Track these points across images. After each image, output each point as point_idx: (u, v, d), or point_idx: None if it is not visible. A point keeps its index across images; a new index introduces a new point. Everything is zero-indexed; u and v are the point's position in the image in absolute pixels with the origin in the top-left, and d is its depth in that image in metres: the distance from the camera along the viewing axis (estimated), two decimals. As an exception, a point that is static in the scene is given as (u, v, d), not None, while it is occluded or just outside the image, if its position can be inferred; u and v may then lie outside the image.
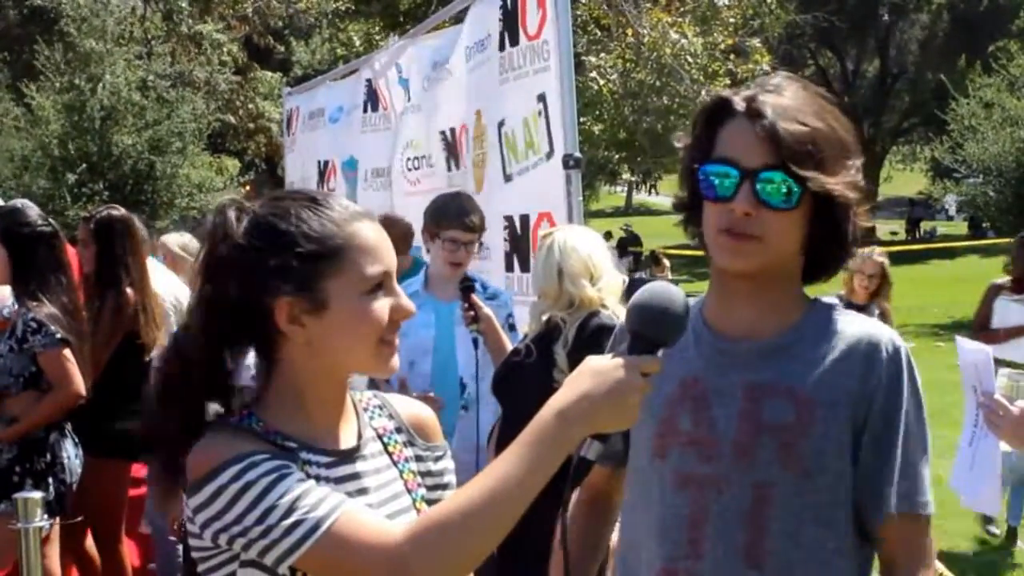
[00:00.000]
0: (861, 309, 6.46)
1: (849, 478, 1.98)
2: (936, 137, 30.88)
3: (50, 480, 4.69)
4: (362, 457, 1.89)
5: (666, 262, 24.36)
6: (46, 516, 3.99)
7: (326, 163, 9.02)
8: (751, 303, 2.02)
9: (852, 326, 2.03)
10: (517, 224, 5.35)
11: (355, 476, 1.86)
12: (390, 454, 1.96)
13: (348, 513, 1.69)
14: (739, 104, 1.95)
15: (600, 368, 1.70)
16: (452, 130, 6.47)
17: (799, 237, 1.97)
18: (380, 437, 1.97)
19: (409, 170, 7.14)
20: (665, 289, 1.77)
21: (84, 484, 4.91)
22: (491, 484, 1.65)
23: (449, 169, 6.55)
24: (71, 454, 4.81)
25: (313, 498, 1.68)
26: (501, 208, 5.33)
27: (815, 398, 1.96)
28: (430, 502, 1.95)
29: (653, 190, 63.42)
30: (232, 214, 1.83)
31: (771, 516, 1.96)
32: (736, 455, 1.99)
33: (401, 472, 1.96)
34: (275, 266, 1.78)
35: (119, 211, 5.62)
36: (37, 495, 3.94)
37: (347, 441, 1.89)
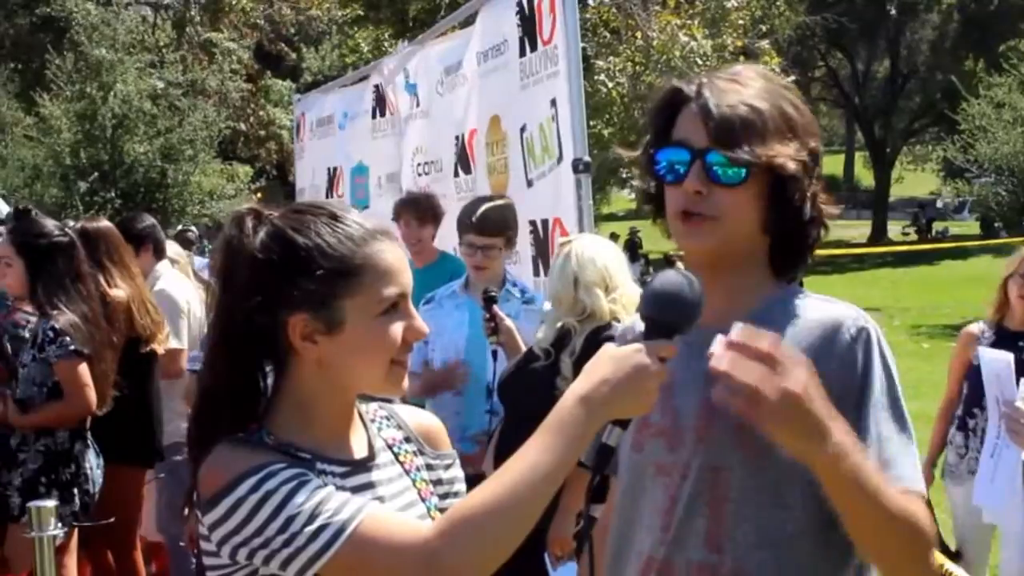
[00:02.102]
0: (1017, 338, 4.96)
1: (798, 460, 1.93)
2: (947, 137, 30.80)
3: (75, 490, 4.71)
4: (376, 467, 1.89)
5: (680, 265, 24.33)
6: (60, 525, 4.00)
7: (335, 170, 9.03)
8: (715, 290, 1.97)
9: (816, 310, 2.00)
10: (540, 228, 5.37)
11: (370, 485, 1.85)
12: (401, 464, 1.96)
13: (373, 514, 1.67)
14: (689, 90, 2.00)
15: (618, 354, 1.71)
16: (461, 135, 6.48)
17: (755, 215, 1.97)
18: (390, 447, 1.97)
19: (419, 175, 7.15)
20: (679, 276, 1.79)
21: (101, 490, 4.93)
22: (517, 475, 1.64)
23: (456, 175, 6.55)
24: (94, 464, 4.83)
25: (336, 502, 1.67)
26: (526, 213, 5.34)
27: None
28: (442, 511, 1.94)
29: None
30: (249, 224, 1.81)
31: (728, 500, 1.97)
32: (695, 441, 2.01)
33: (414, 481, 1.96)
34: (291, 282, 1.76)
35: (100, 222, 5.68)
36: (51, 504, 3.95)
37: (359, 451, 1.89)
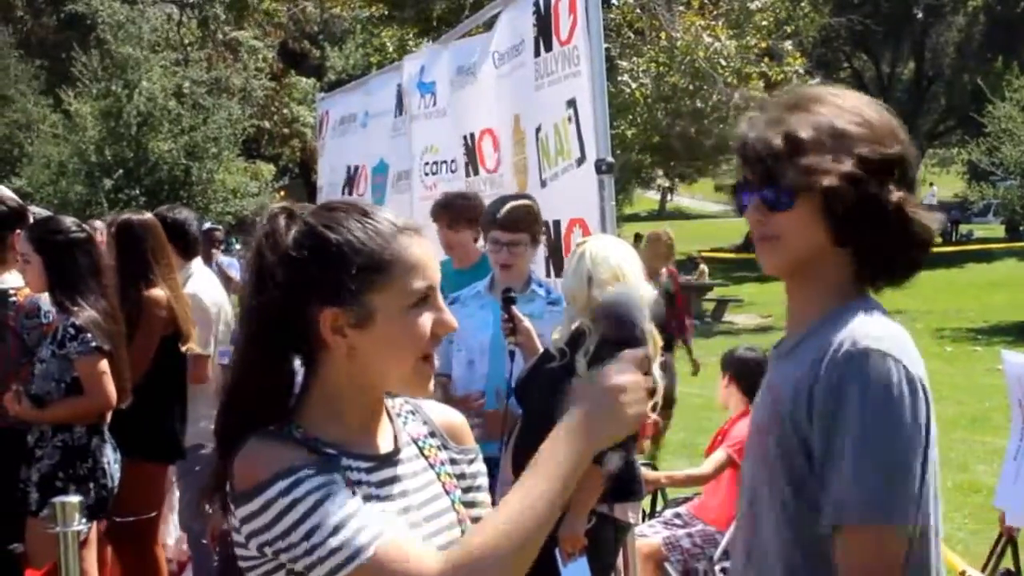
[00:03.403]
0: None
1: (797, 477, 1.98)
2: (972, 140, 30.61)
3: (91, 485, 4.74)
4: (401, 461, 1.93)
5: (704, 267, 24.30)
6: (84, 520, 4.02)
7: (356, 168, 9.04)
8: (797, 298, 2.13)
9: (845, 325, 1.98)
10: (551, 229, 5.36)
11: (395, 479, 1.89)
12: (426, 457, 2.00)
13: (390, 541, 1.71)
14: (749, 128, 2.09)
15: (587, 386, 1.80)
16: (472, 135, 6.49)
17: (818, 231, 2.02)
18: (415, 441, 2.01)
19: (426, 175, 7.16)
20: (622, 291, 1.85)
21: (123, 486, 4.96)
22: (517, 509, 1.71)
23: (468, 175, 6.56)
24: (111, 459, 4.85)
25: (358, 522, 1.71)
26: (542, 213, 5.35)
27: (783, 396, 2.01)
28: (466, 504, 2.01)
29: (671, 193, 62.88)
30: (282, 222, 1.85)
31: (757, 510, 2.09)
32: (746, 458, 2.19)
33: (438, 475, 2.00)
34: (323, 277, 1.81)
35: (141, 215, 5.69)
36: (75, 499, 3.98)
37: (385, 446, 1.93)
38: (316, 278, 1.81)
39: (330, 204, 1.93)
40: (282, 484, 1.71)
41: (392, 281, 1.82)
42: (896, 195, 1.98)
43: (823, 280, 2.07)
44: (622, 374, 1.78)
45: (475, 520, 1.98)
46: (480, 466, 2.11)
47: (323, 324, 1.82)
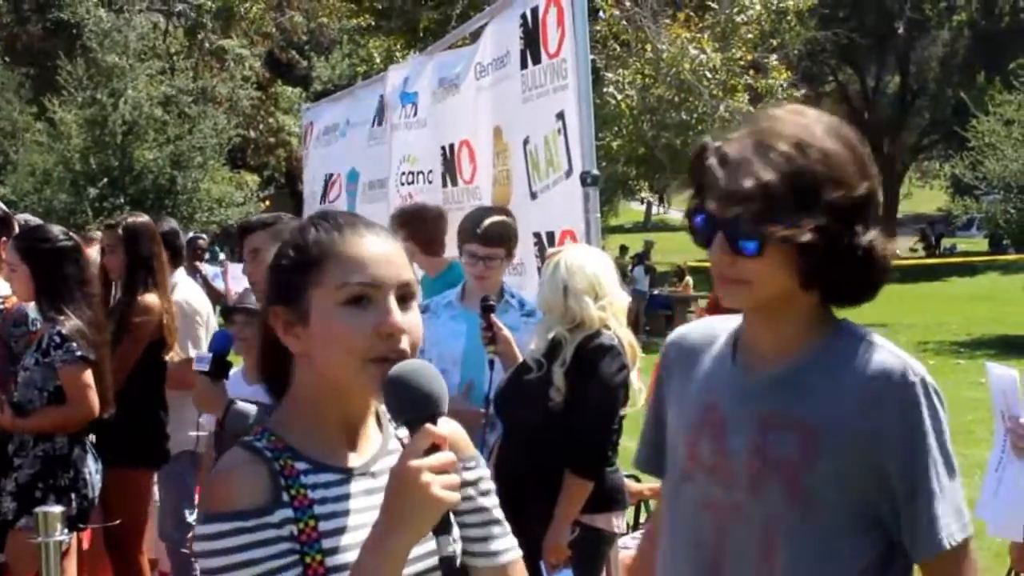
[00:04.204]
0: None
1: (850, 511, 1.98)
2: (956, 154, 30.77)
3: (72, 495, 4.71)
4: (376, 474, 1.86)
5: (689, 279, 24.34)
6: (66, 530, 4.01)
7: (331, 176, 9.08)
8: (767, 331, 2.06)
9: (870, 354, 2.01)
10: (545, 241, 5.37)
11: (368, 492, 1.83)
12: None
13: None
14: (711, 155, 2.00)
15: (384, 481, 1.72)
16: (451, 146, 6.50)
17: (786, 277, 1.97)
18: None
19: (403, 184, 7.16)
20: (405, 371, 1.73)
21: (108, 494, 4.94)
22: None
23: (445, 185, 6.56)
24: (92, 469, 4.83)
25: None
26: (531, 226, 5.35)
27: (821, 430, 1.97)
28: (471, 510, 1.93)
29: (663, 205, 62.94)
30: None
31: (779, 549, 2.00)
32: (750, 488, 2.03)
33: None
34: (271, 278, 1.86)
35: (144, 217, 5.70)
36: (57, 509, 3.96)
37: (361, 458, 1.87)
38: (270, 280, 1.87)
39: (317, 213, 1.95)
40: (220, 527, 1.72)
41: (325, 276, 1.78)
42: (866, 238, 1.96)
43: (791, 314, 2.04)
44: (416, 455, 1.67)
45: (490, 523, 1.95)
46: (481, 472, 2.00)
47: (275, 324, 1.83)
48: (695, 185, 2.05)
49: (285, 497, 1.76)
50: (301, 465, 1.79)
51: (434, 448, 1.68)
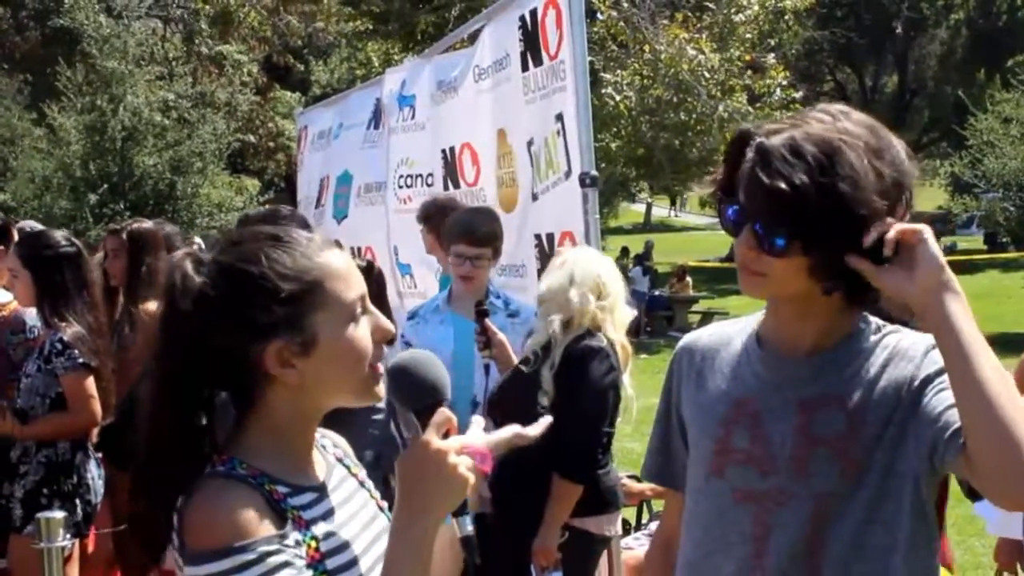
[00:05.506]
0: None
1: (893, 473, 2.00)
2: (955, 152, 30.79)
3: (76, 501, 4.72)
4: (335, 489, 1.88)
5: (689, 279, 24.34)
6: (68, 536, 4.01)
7: (323, 179, 9.07)
8: (798, 320, 2.09)
9: (901, 334, 2.09)
10: (545, 242, 5.38)
11: (342, 503, 1.86)
12: (354, 475, 1.97)
13: None
14: (752, 147, 1.98)
15: (403, 461, 1.71)
16: (452, 149, 6.50)
17: (805, 278, 1.99)
18: (340, 460, 1.98)
19: (400, 187, 7.16)
20: (407, 359, 1.77)
21: (118, 499, 4.94)
22: None
23: (446, 187, 6.56)
24: (95, 474, 4.84)
25: None
26: (532, 227, 5.36)
27: (864, 404, 2.01)
28: None
29: (674, 208, 63.00)
30: (190, 267, 1.77)
31: (831, 525, 2.02)
32: (794, 470, 2.05)
33: (370, 492, 1.98)
34: (257, 312, 1.73)
35: (149, 223, 5.71)
36: (59, 515, 3.97)
37: (321, 473, 1.88)
38: (248, 314, 1.73)
39: (235, 236, 1.84)
40: (240, 559, 1.64)
41: (328, 298, 1.77)
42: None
43: (821, 304, 2.06)
44: (439, 439, 1.69)
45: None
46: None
47: (268, 359, 1.74)
48: (728, 169, 2.04)
49: (289, 520, 1.73)
50: (282, 488, 1.76)
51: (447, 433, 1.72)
